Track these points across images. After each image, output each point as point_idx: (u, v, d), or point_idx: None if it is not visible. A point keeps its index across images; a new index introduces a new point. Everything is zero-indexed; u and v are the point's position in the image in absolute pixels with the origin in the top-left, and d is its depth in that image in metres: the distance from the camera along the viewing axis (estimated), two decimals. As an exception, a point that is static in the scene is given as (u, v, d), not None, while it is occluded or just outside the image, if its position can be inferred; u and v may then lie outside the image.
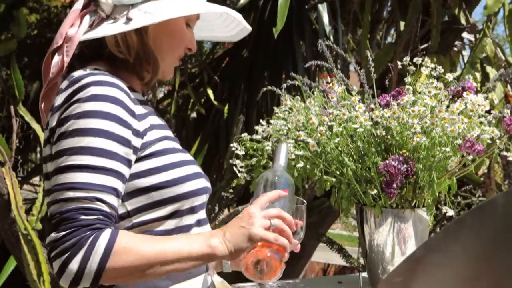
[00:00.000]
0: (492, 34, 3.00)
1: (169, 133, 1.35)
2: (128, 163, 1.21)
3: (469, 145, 1.61)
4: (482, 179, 3.02)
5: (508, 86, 2.92)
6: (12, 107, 3.15)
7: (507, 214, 0.99)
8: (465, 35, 3.18)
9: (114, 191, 1.17)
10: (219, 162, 4.49)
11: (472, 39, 3.14)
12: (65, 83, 1.25)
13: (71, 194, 1.13)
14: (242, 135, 1.84)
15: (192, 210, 1.31)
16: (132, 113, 1.24)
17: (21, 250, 2.74)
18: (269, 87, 1.98)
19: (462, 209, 4.06)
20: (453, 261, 1.07)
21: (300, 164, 1.74)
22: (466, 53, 3.32)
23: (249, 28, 1.52)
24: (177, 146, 1.35)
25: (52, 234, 1.12)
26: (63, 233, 1.10)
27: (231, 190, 3.40)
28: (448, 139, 1.66)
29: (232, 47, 4.57)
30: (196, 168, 1.34)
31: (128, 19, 1.28)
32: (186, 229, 1.30)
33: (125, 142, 1.20)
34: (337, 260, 5.34)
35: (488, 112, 1.71)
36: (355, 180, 1.72)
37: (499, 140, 1.67)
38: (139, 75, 1.35)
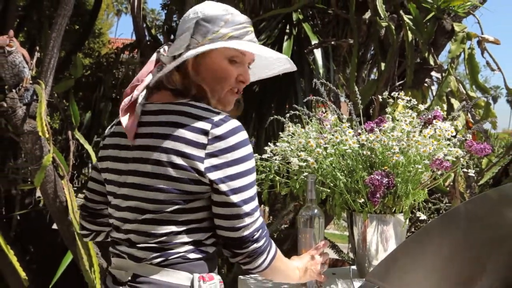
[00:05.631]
0: (455, 73, 3.00)
1: None
2: None
3: (439, 163, 1.61)
4: (448, 189, 3.00)
5: (469, 114, 2.92)
6: (69, 132, 3.18)
7: (468, 220, 1.00)
8: (433, 73, 3.18)
9: None
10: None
11: (439, 76, 3.14)
12: (207, 125, 1.27)
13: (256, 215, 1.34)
14: (254, 154, 1.85)
15: None
16: None
17: (76, 246, 2.75)
18: (276, 116, 1.99)
19: (432, 213, 4.03)
20: (425, 256, 1.07)
21: (301, 177, 1.74)
22: (434, 88, 3.32)
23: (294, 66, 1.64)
24: None
25: (255, 245, 1.33)
26: (262, 241, 1.34)
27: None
28: (421, 158, 1.66)
29: (245, 83, 4.60)
30: None
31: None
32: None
33: None
34: (330, 254, 5.31)
35: (454, 136, 1.72)
36: (346, 190, 1.72)
37: (462, 159, 1.67)
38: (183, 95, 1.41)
